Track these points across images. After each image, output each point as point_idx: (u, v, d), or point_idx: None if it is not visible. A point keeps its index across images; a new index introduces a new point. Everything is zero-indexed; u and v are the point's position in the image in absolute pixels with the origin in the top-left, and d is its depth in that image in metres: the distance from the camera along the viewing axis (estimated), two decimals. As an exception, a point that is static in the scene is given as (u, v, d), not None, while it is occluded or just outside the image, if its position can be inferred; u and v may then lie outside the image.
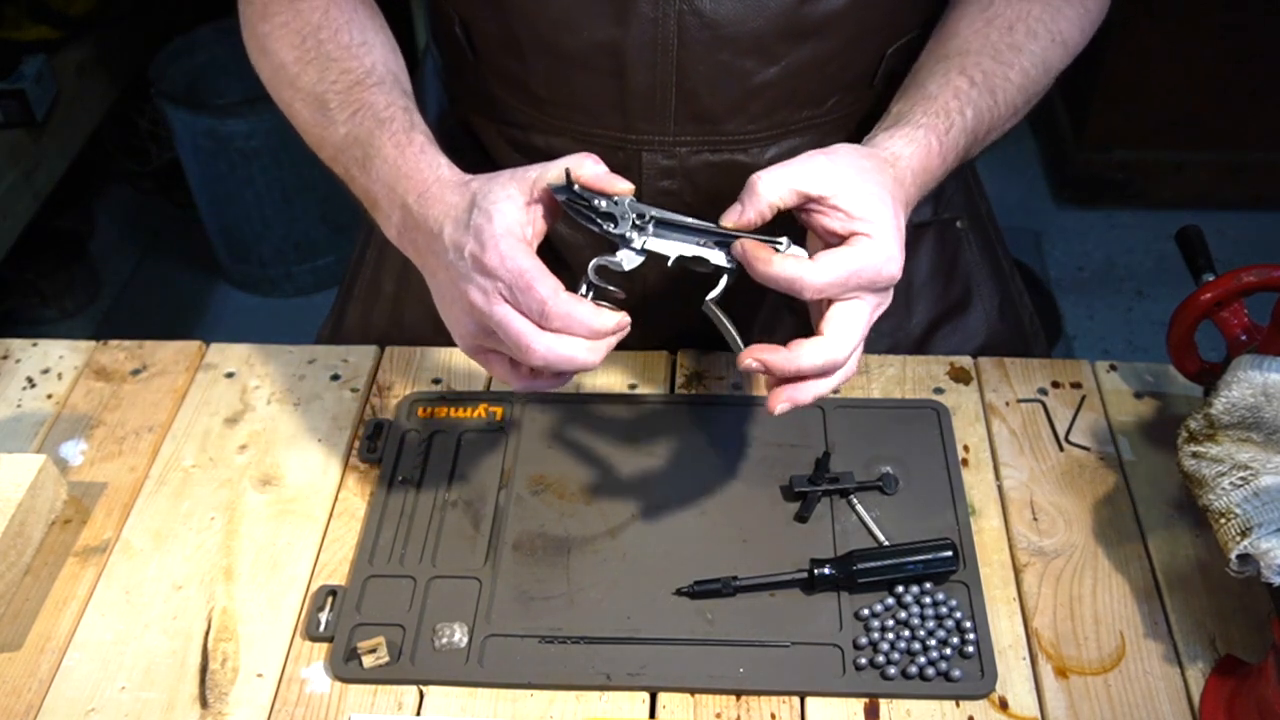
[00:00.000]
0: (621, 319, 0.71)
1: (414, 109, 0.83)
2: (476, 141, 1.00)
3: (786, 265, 0.70)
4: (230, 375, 0.99)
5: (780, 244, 0.72)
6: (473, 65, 0.94)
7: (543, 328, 0.70)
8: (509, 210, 0.71)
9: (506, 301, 0.70)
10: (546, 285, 0.69)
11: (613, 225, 0.73)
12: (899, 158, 0.76)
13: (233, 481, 0.90)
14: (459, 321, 0.75)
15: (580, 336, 0.70)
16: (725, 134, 0.90)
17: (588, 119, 0.90)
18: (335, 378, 0.98)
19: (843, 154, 0.73)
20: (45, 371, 1.00)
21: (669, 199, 0.93)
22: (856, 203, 0.70)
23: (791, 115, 0.90)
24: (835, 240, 0.71)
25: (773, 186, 0.71)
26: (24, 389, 0.98)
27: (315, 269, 2.45)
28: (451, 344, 1.00)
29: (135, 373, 0.99)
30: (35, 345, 1.02)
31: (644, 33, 0.84)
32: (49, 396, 0.98)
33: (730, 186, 0.92)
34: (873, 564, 0.80)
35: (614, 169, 0.72)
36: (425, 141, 0.80)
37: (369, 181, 0.81)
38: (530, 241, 0.72)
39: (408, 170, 0.78)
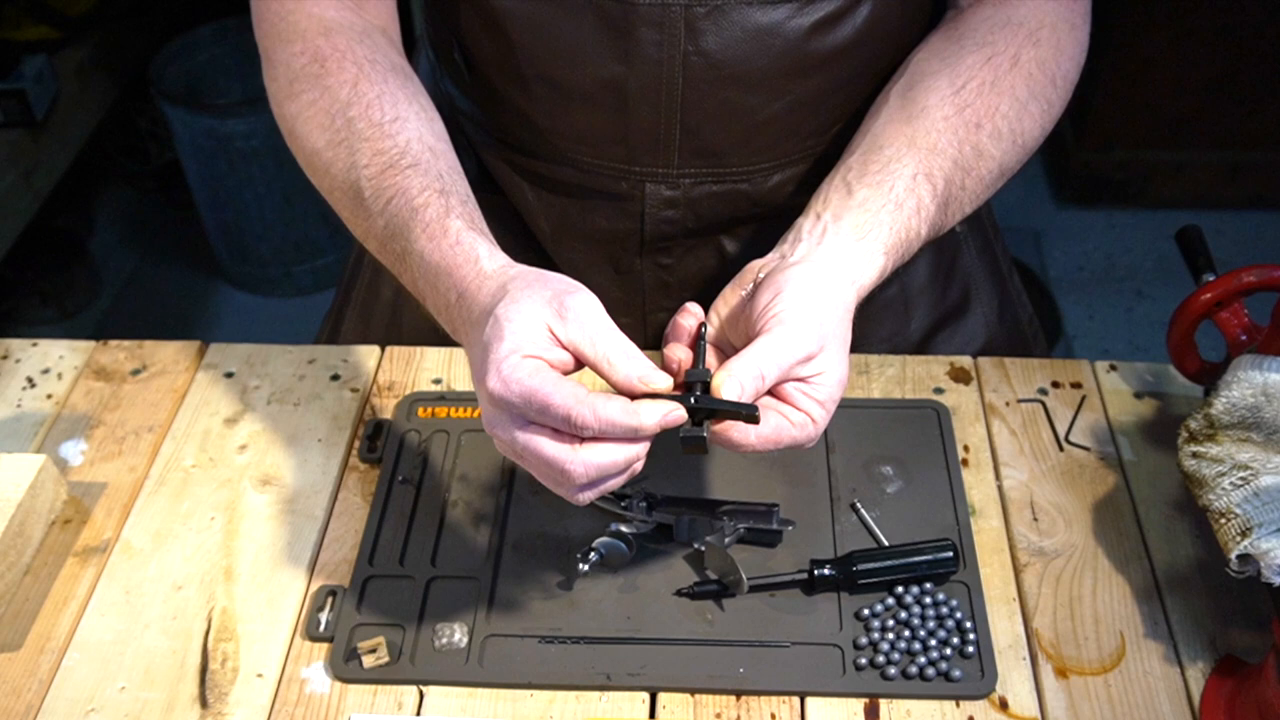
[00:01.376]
0: (669, 411, 0.65)
1: (452, 190, 0.76)
2: (469, 144, 1.00)
3: (796, 434, 0.68)
4: (230, 375, 0.99)
5: (756, 411, 0.68)
6: (472, 89, 0.94)
7: (581, 439, 0.64)
8: (523, 326, 0.65)
9: (528, 427, 0.65)
10: (563, 394, 0.63)
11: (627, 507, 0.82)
12: (856, 282, 0.73)
13: (233, 481, 0.90)
14: (506, 455, 0.69)
15: (621, 441, 0.65)
16: (729, 166, 0.90)
17: (590, 151, 0.90)
18: (335, 378, 0.98)
19: (823, 307, 0.69)
20: (45, 371, 1.00)
21: (672, 228, 0.93)
22: (824, 383, 0.68)
23: (795, 146, 0.90)
24: (782, 398, 0.69)
25: (777, 370, 0.67)
26: (24, 389, 0.98)
27: (315, 269, 2.45)
28: (451, 344, 1.01)
29: (135, 373, 0.99)
30: (35, 345, 1.02)
31: (648, 72, 0.84)
32: (49, 396, 0.98)
33: (733, 214, 0.93)
34: (873, 564, 0.80)
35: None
36: (462, 229, 0.73)
37: (412, 279, 0.76)
38: (550, 361, 0.65)
39: (446, 267, 0.72)
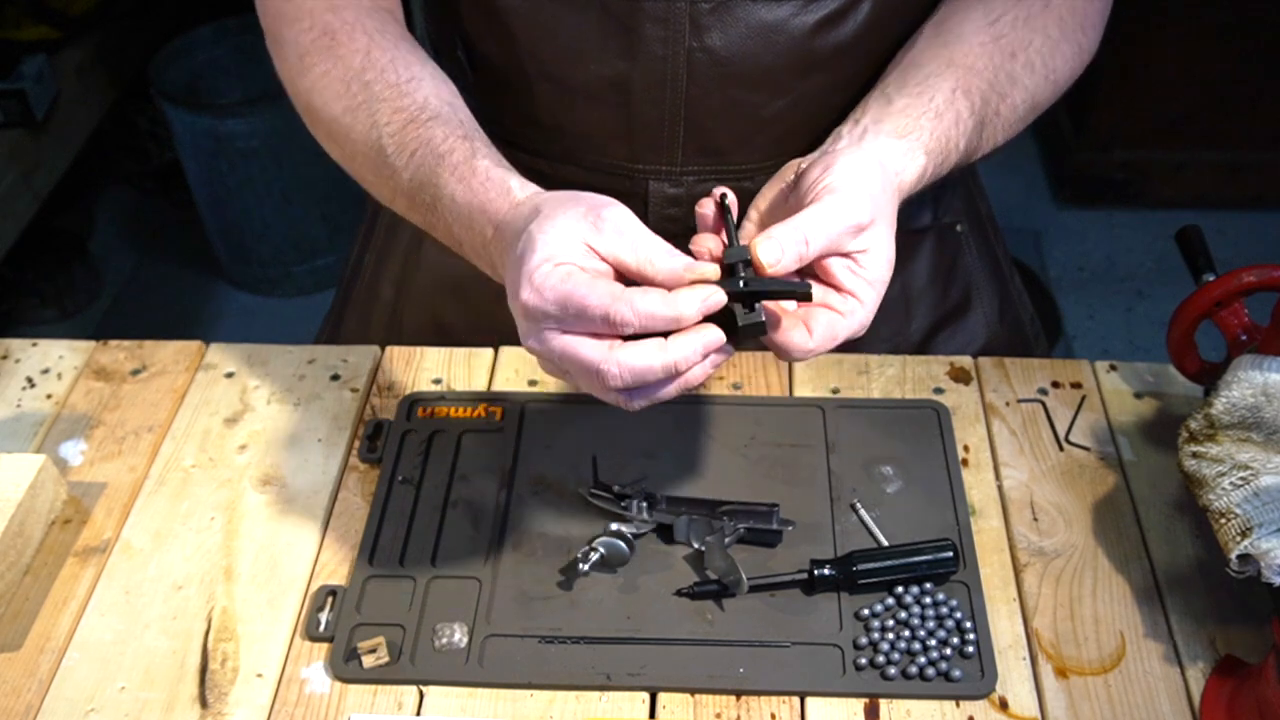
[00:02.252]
0: (708, 295, 0.62)
1: (475, 135, 0.77)
2: None
3: (849, 326, 0.66)
4: (230, 375, 0.99)
5: (809, 288, 0.66)
6: (474, 87, 0.94)
7: (623, 337, 0.63)
8: (556, 237, 0.63)
9: (565, 334, 0.63)
10: (599, 293, 0.61)
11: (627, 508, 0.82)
12: (900, 174, 0.73)
13: (233, 481, 0.90)
14: (550, 374, 0.69)
15: (665, 329, 0.62)
16: (732, 164, 0.90)
17: (593, 149, 0.90)
18: (335, 378, 0.98)
19: (869, 179, 0.68)
20: (45, 371, 1.00)
21: (675, 225, 0.93)
22: (872, 261, 0.67)
23: (798, 143, 0.90)
24: (830, 282, 0.68)
25: (823, 241, 0.65)
26: (24, 389, 0.98)
27: (315, 269, 2.45)
28: (451, 344, 1.01)
29: (135, 373, 0.99)
30: (35, 345, 1.02)
31: (652, 68, 0.84)
32: (49, 396, 0.98)
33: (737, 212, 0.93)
34: (873, 564, 0.80)
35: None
36: (490, 166, 0.73)
37: (446, 225, 0.75)
38: (585, 269, 0.63)
39: (479, 204, 0.71)
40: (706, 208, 0.71)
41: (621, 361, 0.62)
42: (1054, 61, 0.84)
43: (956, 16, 0.84)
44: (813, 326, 0.66)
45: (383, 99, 0.78)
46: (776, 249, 0.63)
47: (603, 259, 0.64)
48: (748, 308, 0.64)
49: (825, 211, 0.65)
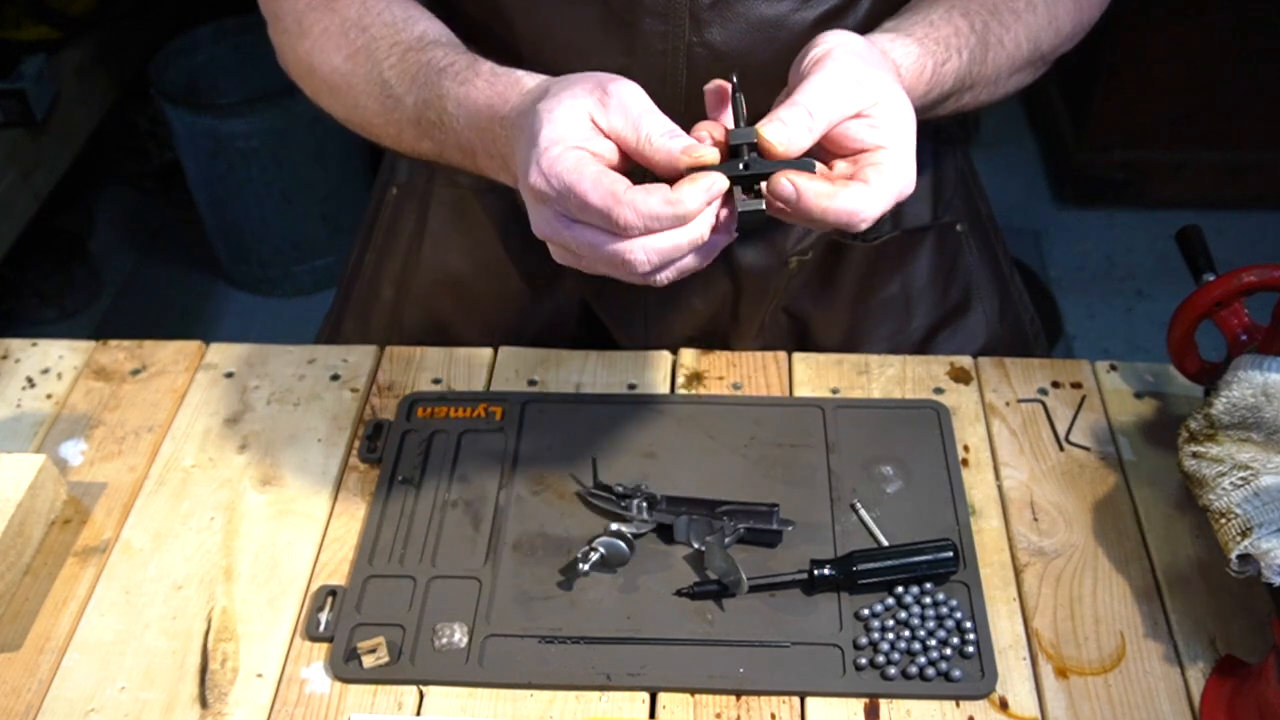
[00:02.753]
0: (712, 184, 0.60)
1: (476, 55, 0.75)
2: None
3: (847, 199, 0.61)
4: (230, 375, 0.99)
5: (813, 165, 0.63)
6: None
7: (625, 237, 0.60)
8: (564, 116, 0.62)
9: (579, 223, 0.61)
10: (601, 191, 0.59)
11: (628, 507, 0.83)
12: (899, 66, 0.71)
13: (232, 481, 0.90)
14: (563, 262, 0.66)
15: (670, 229, 0.60)
16: None
17: None
18: (335, 378, 0.98)
19: (864, 54, 0.65)
20: (45, 371, 1.00)
21: None
22: (887, 112, 0.64)
23: None
24: (855, 151, 0.64)
25: (828, 108, 0.62)
26: (24, 389, 0.98)
27: (315, 269, 2.45)
28: (450, 344, 1.01)
29: (135, 373, 0.99)
30: (35, 345, 1.02)
31: (652, 63, 0.84)
32: (49, 396, 0.98)
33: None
34: (873, 564, 0.80)
35: None
36: (493, 67, 0.72)
37: (455, 136, 0.73)
38: (593, 151, 0.61)
39: (488, 101, 0.69)
40: (714, 87, 0.68)
41: (648, 246, 0.60)
42: (1056, 9, 0.84)
43: None
44: (869, 177, 0.62)
45: (380, 37, 0.79)
46: (782, 128, 0.61)
47: (606, 136, 0.63)
48: (750, 193, 0.62)
49: (823, 79, 0.63)
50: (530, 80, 0.70)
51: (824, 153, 0.66)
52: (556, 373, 0.98)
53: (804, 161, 0.62)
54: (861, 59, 0.65)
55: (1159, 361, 0.97)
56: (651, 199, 0.59)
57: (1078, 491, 0.88)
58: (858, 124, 0.64)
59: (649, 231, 0.60)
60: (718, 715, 0.75)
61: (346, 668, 0.77)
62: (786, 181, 0.61)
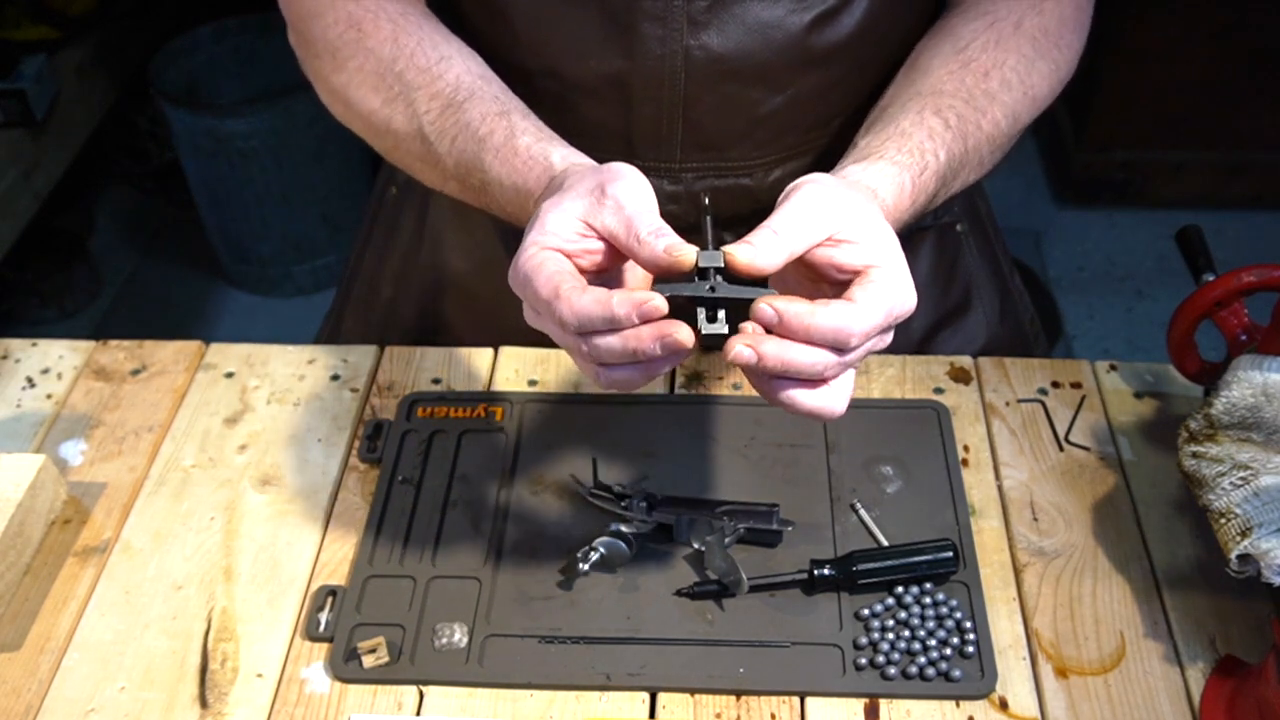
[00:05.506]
0: (644, 303, 0.59)
1: (513, 108, 0.77)
2: None
3: (829, 315, 0.60)
4: (230, 375, 0.99)
5: (772, 292, 0.63)
6: None
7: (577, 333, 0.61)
8: (554, 219, 0.64)
9: (537, 314, 0.64)
10: (550, 285, 0.61)
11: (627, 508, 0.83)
12: (876, 189, 0.71)
13: (232, 481, 0.90)
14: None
15: (605, 328, 0.61)
16: (731, 160, 0.90)
17: (593, 145, 0.89)
18: (335, 378, 0.98)
19: (833, 185, 0.66)
20: (45, 371, 1.00)
21: (675, 222, 0.93)
22: (866, 234, 0.63)
23: (797, 140, 0.90)
24: (844, 277, 0.64)
25: (796, 228, 0.62)
26: (24, 389, 0.98)
27: (315, 269, 2.45)
28: (450, 344, 1.01)
29: (135, 373, 0.99)
30: (35, 345, 1.02)
31: (650, 65, 0.84)
32: (49, 396, 0.98)
33: (735, 209, 0.93)
34: (873, 565, 0.80)
35: None
36: (530, 144, 0.74)
37: (500, 206, 0.77)
38: (569, 251, 0.63)
39: (523, 186, 0.73)
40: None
41: (592, 342, 0.61)
42: (1030, 79, 0.83)
43: (926, 54, 0.84)
44: (855, 295, 0.62)
45: (418, 86, 0.80)
46: (749, 248, 0.61)
47: (598, 235, 0.64)
48: (711, 317, 0.62)
49: (791, 205, 0.63)
50: (561, 163, 0.71)
51: (813, 285, 0.67)
52: (556, 373, 0.98)
53: (765, 290, 0.62)
54: (830, 188, 0.65)
55: (1159, 361, 0.97)
56: (585, 298, 0.60)
57: (1078, 491, 0.88)
58: (840, 250, 0.63)
59: (583, 330, 0.61)
60: (718, 715, 0.75)
61: (346, 668, 0.77)
62: (766, 305, 0.61)
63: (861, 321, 0.61)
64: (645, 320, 0.60)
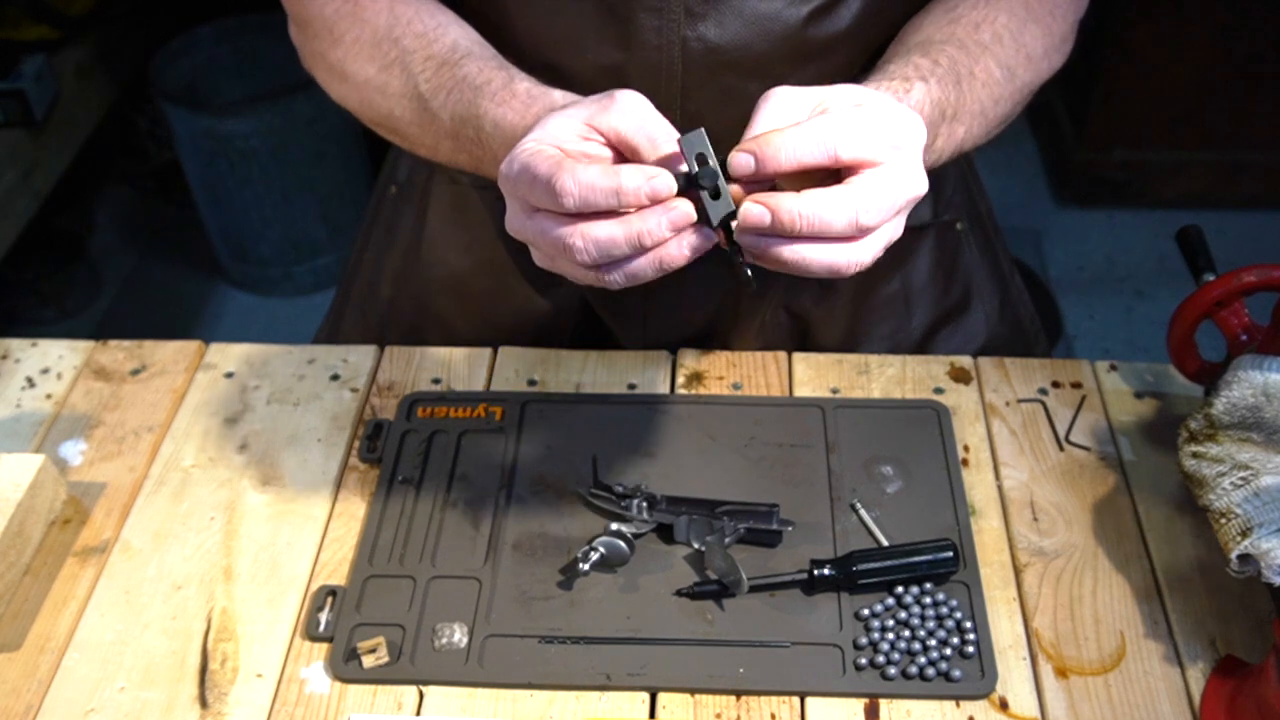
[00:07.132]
0: (654, 177, 0.59)
1: (509, 65, 0.77)
2: None
3: (820, 201, 0.60)
4: (230, 375, 0.99)
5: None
6: None
7: (571, 215, 0.61)
8: (555, 122, 0.63)
9: (535, 214, 0.63)
10: (547, 162, 0.60)
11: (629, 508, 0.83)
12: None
13: (232, 481, 0.90)
14: (538, 263, 0.66)
15: (608, 205, 0.60)
16: (728, 153, 0.90)
17: None
18: (335, 378, 0.98)
19: (868, 101, 0.64)
20: (45, 371, 1.00)
21: None
22: (867, 100, 0.64)
23: None
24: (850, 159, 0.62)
25: (800, 148, 0.61)
26: (23, 389, 0.98)
27: (315, 269, 2.45)
28: (450, 343, 1.01)
29: (135, 373, 0.99)
30: (35, 345, 1.02)
31: (647, 57, 0.84)
32: (48, 396, 0.98)
33: None
34: (873, 565, 0.80)
35: None
36: (530, 86, 0.74)
37: (494, 154, 0.75)
38: (567, 150, 0.62)
39: (525, 124, 0.71)
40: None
41: (585, 233, 0.61)
42: (1023, 37, 0.84)
43: (916, 19, 0.86)
44: (853, 181, 0.61)
45: (413, 50, 0.80)
46: (743, 153, 0.61)
47: (604, 135, 0.63)
48: (715, 194, 0.62)
49: (775, 99, 0.64)
50: (561, 99, 0.71)
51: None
52: (556, 373, 0.98)
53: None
54: (801, 88, 0.65)
55: (1159, 361, 0.97)
56: (591, 169, 0.60)
57: (1078, 491, 0.88)
58: (836, 131, 0.61)
59: (586, 203, 0.60)
60: (718, 715, 0.75)
61: (346, 668, 0.77)
62: (753, 204, 0.60)
63: (873, 209, 0.61)
64: (654, 200, 0.60)
